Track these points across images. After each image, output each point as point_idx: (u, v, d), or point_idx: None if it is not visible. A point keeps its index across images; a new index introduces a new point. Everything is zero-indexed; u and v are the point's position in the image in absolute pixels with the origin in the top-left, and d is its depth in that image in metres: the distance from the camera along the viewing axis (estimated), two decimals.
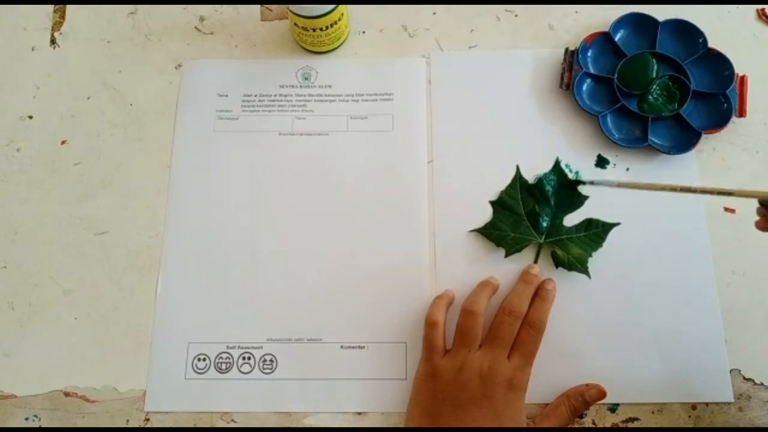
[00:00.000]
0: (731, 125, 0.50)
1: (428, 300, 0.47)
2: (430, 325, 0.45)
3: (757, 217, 0.39)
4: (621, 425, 0.45)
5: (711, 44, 0.51)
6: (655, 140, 0.50)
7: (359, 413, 0.45)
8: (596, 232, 0.48)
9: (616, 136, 0.50)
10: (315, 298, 0.48)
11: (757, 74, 0.51)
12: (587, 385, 0.45)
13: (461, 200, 0.50)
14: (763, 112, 0.52)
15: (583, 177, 0.50)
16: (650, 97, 0.51)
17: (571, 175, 0.50)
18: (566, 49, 0.52)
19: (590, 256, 0.47)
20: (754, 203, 0.39)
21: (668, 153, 0.49)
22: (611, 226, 0.48)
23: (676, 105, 0.50)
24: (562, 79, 0.52)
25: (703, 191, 0.40)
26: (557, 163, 0.50)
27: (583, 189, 0.49)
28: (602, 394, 0.44)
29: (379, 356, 0.46)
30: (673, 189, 0.41)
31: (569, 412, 0.43)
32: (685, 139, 0.50)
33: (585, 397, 0.44)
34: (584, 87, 0.52)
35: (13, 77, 0.54)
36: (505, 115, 0.52)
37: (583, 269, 0.47)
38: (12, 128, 0.53)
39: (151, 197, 0.51)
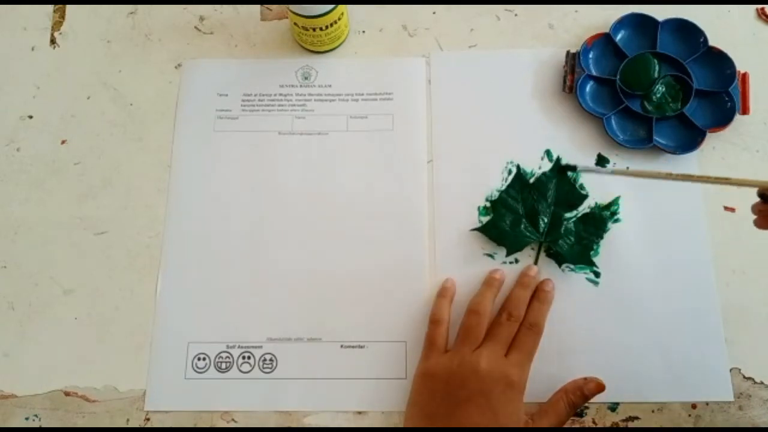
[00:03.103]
0: (732, 124, 0.50)
1: (428, 299, 0.47)
2: (434, 322, 0.45)
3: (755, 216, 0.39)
4: (621, 424, 0.45)
5: (711, 44, 0.51)
6: (660, 140, 0.50)
7: (359, 412, 0.45)
8: (595, 224, 0.48)
9: (621, 137, 0.50)
10: (315, 297, 0.48)
11: (757, 73, 0.51)
12: (585, 378, 0.44)
13: (461, 199, 0.50)
14: (763, 112, 0.52)
15: (581, 174, 0.50)
16: (653, 97, 0.50)
17: (569, 174, 0.50)
18: (567, 52, 0.52)
19: (592, 249, 0.48)
20: (754, 200, 0.38)
21: (674, 153, 0.49)
22: (609, 215, 0.48)
23: (680, 104, 0.50)
24: (564, 82, 0.52)
25: (701, 179, 0.40)
26: (557, 162, 0.50)
27: (579, 178, 0.49)
28: (601, 387, 0.44)
29: (378, 355, 0.46)
30: (670, 176, 0.41)
31: (567, 407, 0.43)
32: (690, 139, 0.50)
33: (583, 391, 0.43)
34: (587, 89, 0.52)
35: (13, 77, 0.54)
36: (505, 115, 0.52)
37: (589, 262, 0.47)
38: (12, 128, 0.53)
39: (151, 197, 0.51)
